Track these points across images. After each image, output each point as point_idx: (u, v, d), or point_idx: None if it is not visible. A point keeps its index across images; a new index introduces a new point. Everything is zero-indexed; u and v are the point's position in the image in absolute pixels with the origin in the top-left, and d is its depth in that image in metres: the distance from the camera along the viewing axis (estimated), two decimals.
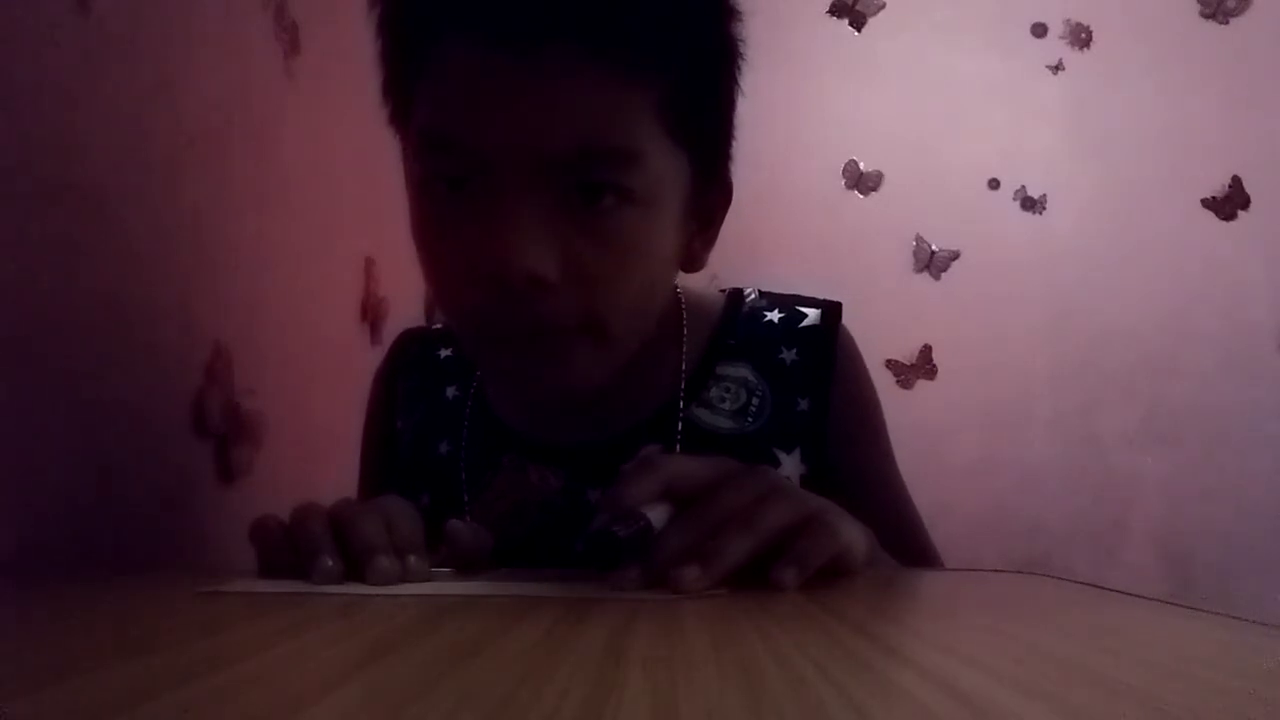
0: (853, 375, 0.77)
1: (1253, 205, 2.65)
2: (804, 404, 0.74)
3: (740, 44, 0.65)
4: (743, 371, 0.75)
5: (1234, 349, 2.60)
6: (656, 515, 0.50)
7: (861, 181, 2.79)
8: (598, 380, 0.65)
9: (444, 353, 0.85)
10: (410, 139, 0.63)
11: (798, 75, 2.77)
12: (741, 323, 0.77)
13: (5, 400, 0.62)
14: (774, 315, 0.77)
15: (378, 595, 0.46)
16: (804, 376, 0.74)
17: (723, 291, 0.81)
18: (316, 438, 1.10)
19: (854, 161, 2.79)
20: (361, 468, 0.87)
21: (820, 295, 0.80)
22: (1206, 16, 2.71)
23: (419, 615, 0.40)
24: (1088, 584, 0.56)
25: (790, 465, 0.73)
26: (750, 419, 0.73)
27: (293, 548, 0.54)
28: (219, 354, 0.88)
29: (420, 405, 0.83)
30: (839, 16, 2.85)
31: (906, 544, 0.74)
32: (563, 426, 0.75)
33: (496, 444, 0.77)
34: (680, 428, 0.73)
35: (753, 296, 0.80)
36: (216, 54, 0.90)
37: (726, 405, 0.74)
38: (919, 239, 2.74)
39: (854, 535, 0.53)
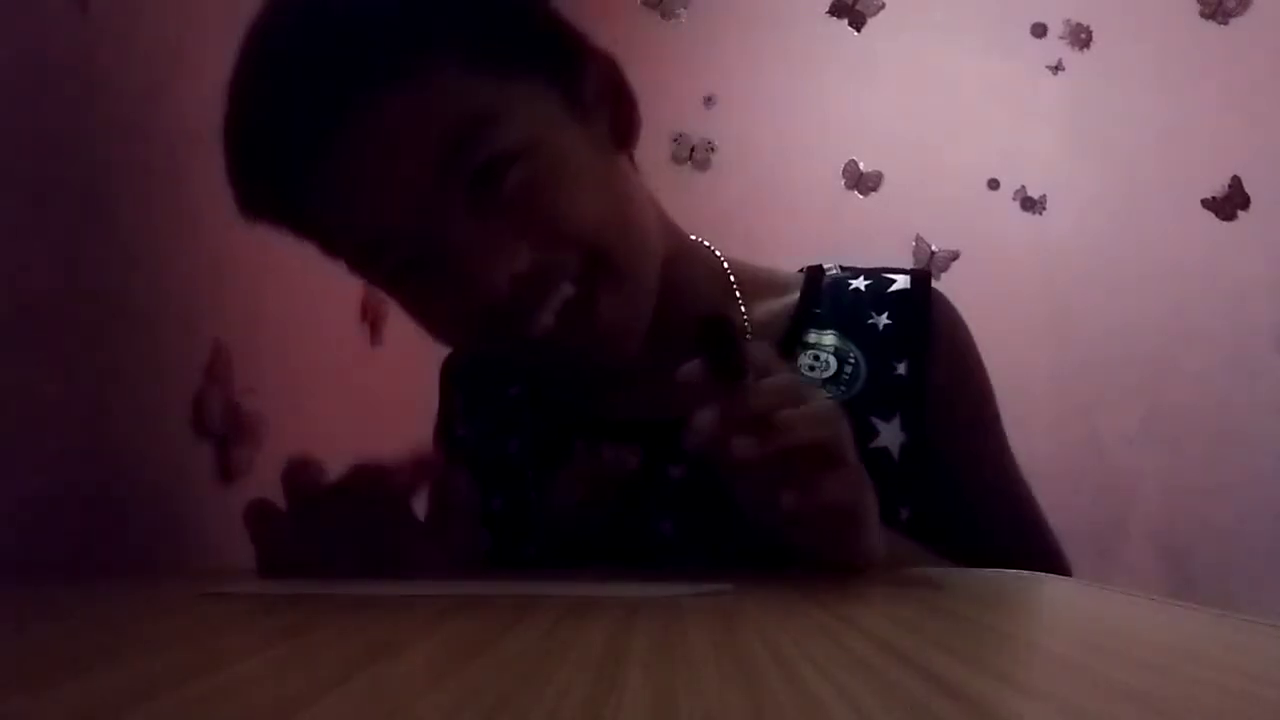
0: (953, 342, 0.74)
1: (1253, 205, 2.65)
2: (901, 368, 0.70)
3: None
4: (832, 339, 0.72)
5: (1234, 349, 2.60)
6: None
7: (861, 181, 2.79)
8: (634, 326, 0.66)
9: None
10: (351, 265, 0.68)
11: (798, 75, 2.77)
12: (826, 292, 0.75)
13: (5, 400, 0.62)
14: (860, 283, 0.75)
15: (378, 595, 0.46)
16: (898, 341, 0.71)
17: (801, 270, 0.78)
18: (316, 438, 1.09)
19: (854, 161, 2.79)
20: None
21: None
22: (1206, 17, 2.71)
23: (419, 615, 0.40)
24: (1088, 584, 0.56)
25: (889, 434, 0.69)
26: (844, 387, 0.70)
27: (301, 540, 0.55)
28: (219, 354, 0.88)
29: (482, 408, 0.81)
30: (839, 16, 2.85)
31: (1022, 541, 0.71)
32: (635, 403, 0.72)
33: (567, 431, 0.74)
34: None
35: (833, 270, 0.77)
36: (216, 52, 0.90)
37: (817, 374, 0.70)
38: (919, 239, 2.74)
39: (862, 505, 0.53)
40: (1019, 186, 2.73)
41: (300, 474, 0.59)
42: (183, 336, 0.84)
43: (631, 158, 0.72)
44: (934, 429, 0.70)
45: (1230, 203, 2.66)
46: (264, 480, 0.95)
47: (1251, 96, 2.66)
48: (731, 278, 0.75)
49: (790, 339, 0.72)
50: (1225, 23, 2.71)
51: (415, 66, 0.59)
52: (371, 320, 1.36)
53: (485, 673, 0.27)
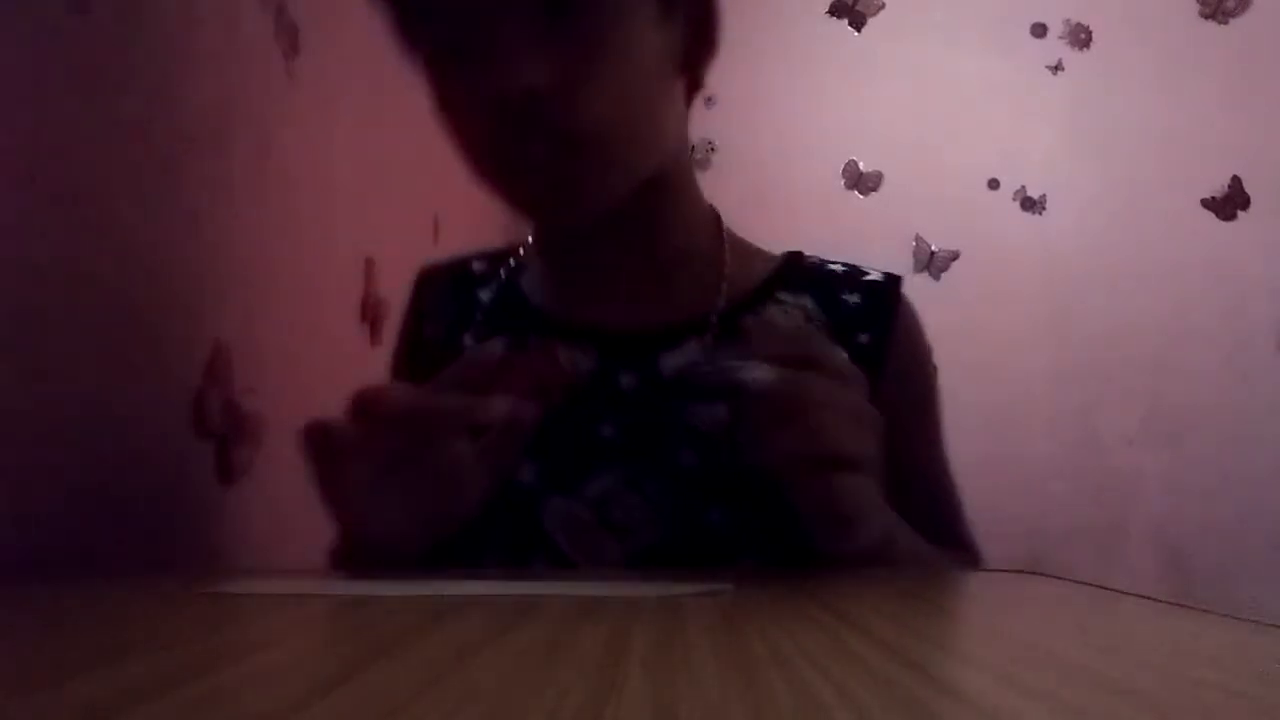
0: (911, 331, 0.78)
1: (1252, 205, 2.65)
2: (864, 338, 0.74)
3: None
4: (804, 301, 0.76)
5: (1234, 349, 2.60)
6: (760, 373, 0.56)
7: (861, 181, 2.79)
8: (609, 200, 0.68)
9: (477, 266, 0.85)
10: (411, 39, 0.67)
11: (798, 75, 2.78)
12: (804, 268, 0.79)
13: (4, 400, 0.62)
14: (837, 267, 0.80)
15: (377, 595, 0.46)
16: (865, 316, 0.75)
17: (782, 254, 0.82)
18: None
19: (854, 161, 2.79)
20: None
21: None
22: (1206, 17, 2.72)
23: (419, 615, 0.40)
24: (1088, 584, 0.56)
25: None
26: None
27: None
28: (219, 354, 0.88)
29: (449, 309, 0.82)
30: (839, 17, 2.85)
31: (942, 527, 0.74)
32: (599, 310, 0.76)
33: (525, 329, 0.76)
34: (721, 331, 0.73)
35: (811, 256, 0.81)
36: (216, 54, 0.90)
37: (781, 322, 0.74)
38: (919, 239, 2.74)
39: (856, 483, 0.57)
40: (1019, 186, 2.74)
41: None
42: (183, 336, 0.84)
43: (698, 83, 0.74)
44: (884, 404, 0.72)
45: (1230, 203, 2.66)
46: (264, 480, 0.95)
47: (1251, 96, 2.66)
48: (726, 238, 0.79)
49: (762, 293, 0.76)
50: (1225, 23, 2.71)
51: None
52: (371, 320, 1.36)
53: (485, 673, 0.27)
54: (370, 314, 1.36)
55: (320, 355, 1.16)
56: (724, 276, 0.76)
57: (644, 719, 0.22)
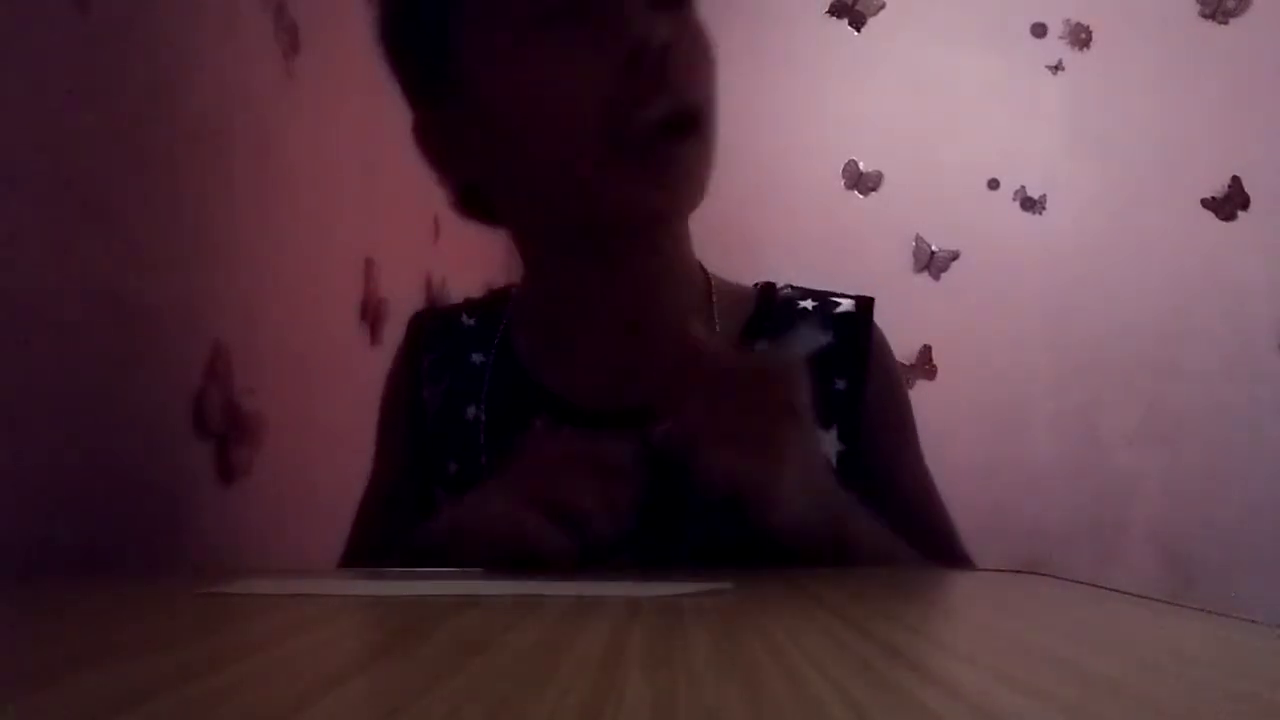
0: (886, 366, 0.79)
1: (1252, 205, 2.66)
2: (841, 384, 0.75)
3: None
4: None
5: (1234, 349, 2.61)
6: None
7: (861, 182, 2.79)
8: (702, 178, 0.71)
9: (467, 321, 0.84)
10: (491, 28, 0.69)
11: (797, 75, 2.78)
12: (777, 309, 0.79)
13: (4, 399, 0.62)
14: (808, 303, 0.79)
15: (377, 595, 0.46)
16: (840, 359, 0.75)
17: (755, 285, 0.82)
18: (316, 438, 1.10)
19: (853, 161, 2.79)
20: (381, 441, 0.85)
21: None
22: (1206, 17, 2.72)
23: (419, 615, 0.40)
24: (1088, 584, 0.56)
25: (828, 442, 0.74)
26: None
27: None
28: (219, 354, 0.88)
29: (447, 373, 0.81)
30: (839, 16, 2.85)
31: (936, 541, 0.75)
32: (592, 383, 0.75)
33: (524, 405, 0.76)
34: None
35: (785, 289, 0.81)
36: (216, 53, 0.90)
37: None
38: (919, 239, 2.74)
39: (786, 493, 0.58)
40: (1019, 186, 2.74)
41: None
42: (183, 336, 0.84)
43: None
44: (866, 442, 0.76)
45: (1230, 203, 2.66)
46: (264, 480, 0.95)
47: (1251, 96, 2.66)
48: (714, 291, 0.79)
49: (743, 344, 0.77)
50: (1225, 22, 2.71)
51: None
52: (371, 320, 1.36)
53: (485, 672, 0.27)
54: (370, 314, 1.36)
55: (320, 355, 1.16)
56: (715, 326, 0.77)
57: (643, 718, 0.22)
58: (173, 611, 0.43)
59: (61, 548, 0.67)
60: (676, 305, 0.75)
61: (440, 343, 0.84)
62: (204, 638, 0.36)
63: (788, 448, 0.58)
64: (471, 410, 0.78)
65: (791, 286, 0.82)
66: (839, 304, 0.79)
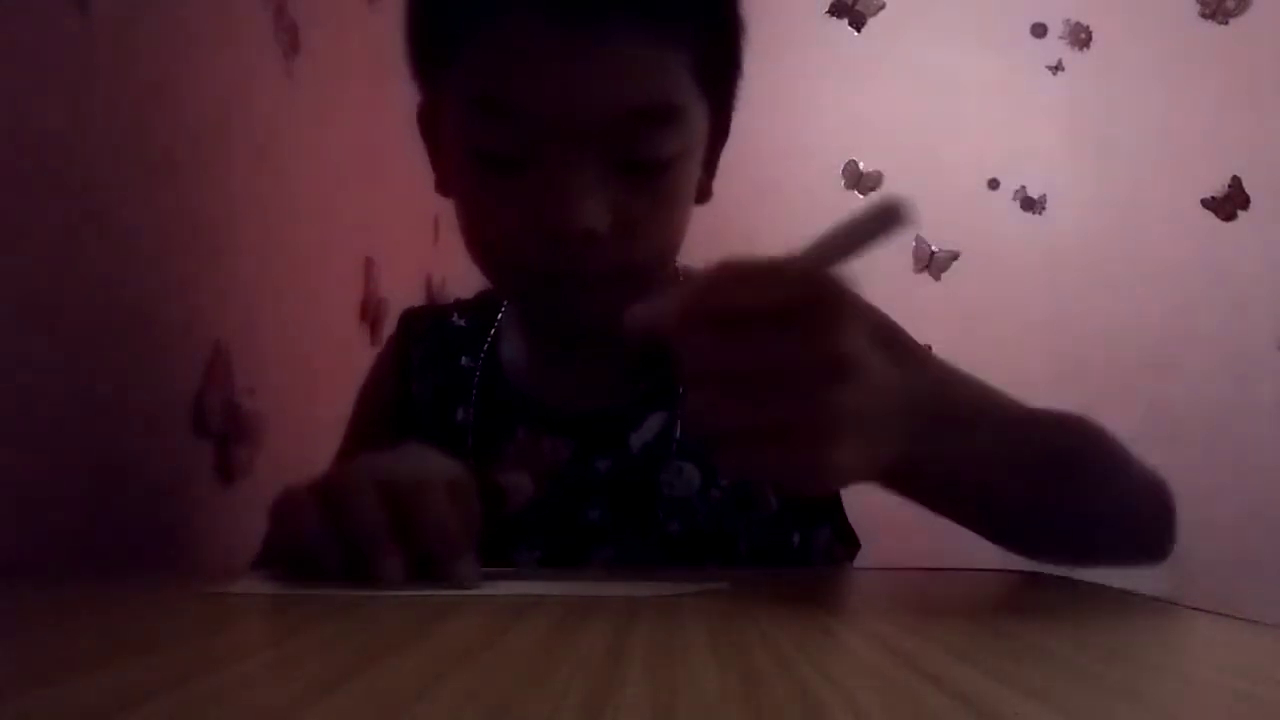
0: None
1: (1252, 205, 2.65)
2: None
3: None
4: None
5: (1234, 348, 2.60)
6: None
7: (861, 182, 2.79)
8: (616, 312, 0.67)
9: (457, 321, 0.85)
10: (454, 105, 0.66)
11: (797, 75, 2.77)
12: None
13: (3, 400, 0.62)
14: None
15: (376, 595, 0.46)
16: None
17: None
18: (317, 438, 1.09)
19: (853, 162, 2.79)
20: (356, 427, 0.85)
21: None
22: (1206, 17, 2.71)
23: (418, 615, 0.40)
24: (1087, 583, 0.56)
25: None
26: None
27: (339, 534, 0.48)
28: (219, 354, 0.88)
29: (437, 372, 0.83)
30: (838, 16, 2.85)
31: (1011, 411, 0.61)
32: (570, 392, 0.77)
33: (508, 412, 0.78)
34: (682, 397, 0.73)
35: None
36: (216, 54, 0.90)
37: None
38: (919, 239, 2.74)
39: (840, 460, 0.42)
40: (1019, 186, 2.73)
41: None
42: (182, 337, 0.84)
43: (711, 174, 0.75)
44: None
45: (1230, 203, 2.66)
46: (264, 481, 0.95)
47: (1251, 96, 2.66)
48: (680, 278, 0.78)
49: None
50: (1225, 23, 2.71)
51: (674, 28, 0.62)
52: (372, 320, 1.36)
53: (485, 672, 0.27)
54: (370, 314, 1.36)
55: (320, 355, 1.16)
56: None
57: (643, 718, 0.22)
58: (173, 612, 0.43)
59: (61, 547, 0.67)
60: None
61: (430, 340, 0.85)
62: (204, 638, 0.36)
63: (840, 417, 0.42)
64: (461, 412, 0.79)
65: None
66: None
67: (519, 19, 0.61)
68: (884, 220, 0.42)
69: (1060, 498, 0.57)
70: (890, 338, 0.72)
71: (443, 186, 0.73)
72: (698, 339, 0.42)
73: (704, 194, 0.74)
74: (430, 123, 0.72)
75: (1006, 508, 0.55)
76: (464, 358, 0.82)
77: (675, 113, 0.64)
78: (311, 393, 1.11)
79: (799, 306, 0.41)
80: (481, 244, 0.69)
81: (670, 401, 0.74)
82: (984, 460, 0.53)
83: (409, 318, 0.90)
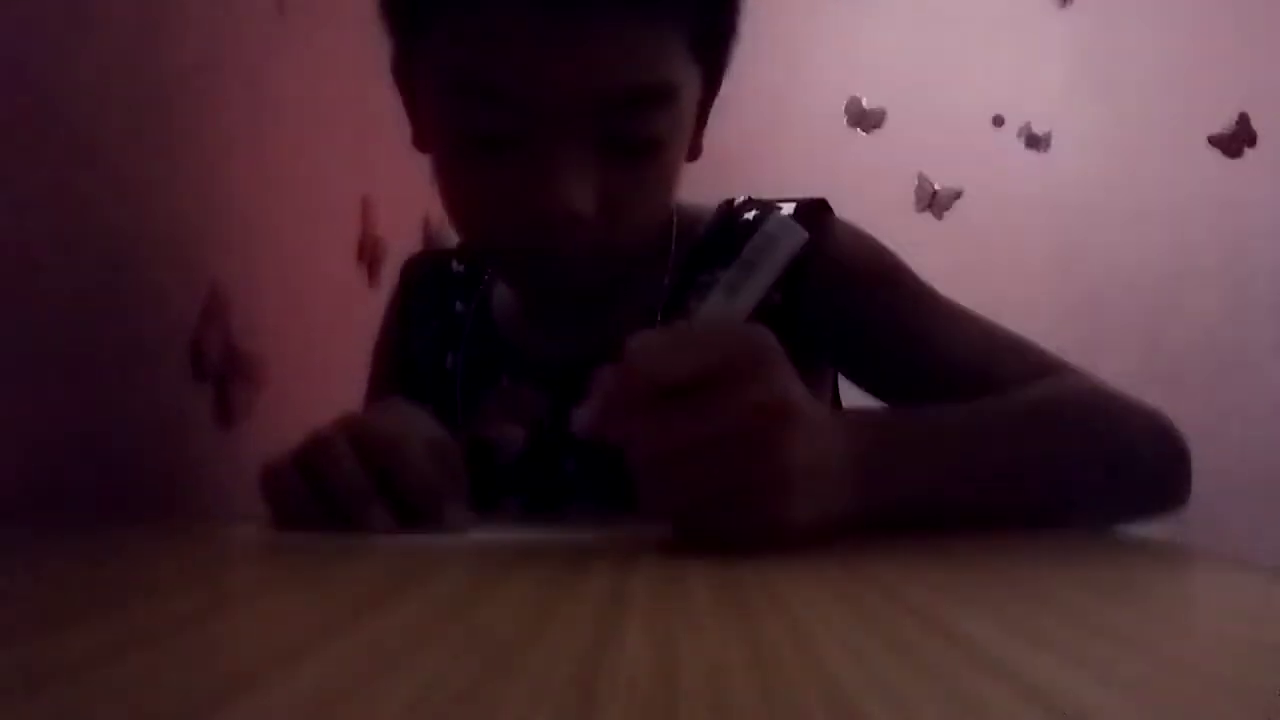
0: (835, 252, 0.71)
1: (1260, 142, 2.62)
2: (776, 297, 0.68)
3: None
4: (718, 275, 0.73)
5: (1237, 288, 2.59)
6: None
7: (864, 119, 2.75)
8: (600, 282, 0.67)
9: (456, 267, 0.86)
10: (433, 82, 0.62)
11: (799, 11, 2.73)
12: (722, 229, 0.76)
13: (1, 343, 0.61)
14: (751, 214, 0.75)
15: (377, 542, 0.46)
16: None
17: (720, 205, 0.79)
18: (316, 378, 1.09)
19: (856, 98, 2.75)
20: (371, 384, 0.88)
21: None
22: None
23: (418, 563, 0.40)
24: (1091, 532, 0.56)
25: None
26: None
27: (322, 496, 0.50)
28: (215, 295, 0.88)
29: (433, 320, 0.83)
30: None
31: (1021, 372, 0.63)
32: (553, 341, 0.76)
33: (495, 360, 0.78)
34: None
35: (740, 201, 0.78)
36: None
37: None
38: (921, 177, 2.71)
39: (801, 510, 0.41)
40: (1024, 123, 2.70)
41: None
42: (178, 277, 0.83)
43: (701, 129, 0.71)
44: (853, 343, 0.70)
45: (1237, 139, 2.63)
46: (264, 422, 0.95)
47: (1261, 32, 2.61)
48: (675, 230, 0.76)
49: (685, 281, 0.74)
50: None
51: (667, 5, 0.59)
52: (369, 260, 1.35)
53: (487, 619, 0.27)
54: (368, 254, 1.35)
55: (318, 296, 1.15)
56: (668, 270, 0.74)
57: (644, 663, 0.22)
58: (171, 558, 0.43)
59: (59, 492, 0.67)
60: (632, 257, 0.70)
61: (429, 288, 0.86)
62: (204, 584, 0.36)
63: (793, 464, 0.41)
64: (450, 358, 0.80)
65: (750, 198, 0.78)
66: (779, 209, 0.74)
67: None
68: (780, 247, 0.43)
69: (1056, 478, 0.56)
70: (894, 278, 0.72)
71: (419, 141, 0.70)
72: (637, 426, 0.41)
73: (695, 151, 0.71)
74: (404, 75, 0.69)
75: (1003, 505, 0.52)
76: (459, 303, 0.82)
77: (669, 91, 0.61)
78: (310, 333, 1.11)
79: (727, 365, 0.41)
80: (461, 214, 0.66)
81: None
82: (956, 475, 0.51)
83: (408, 267, 0.90)
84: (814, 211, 0.73)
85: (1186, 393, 2.57)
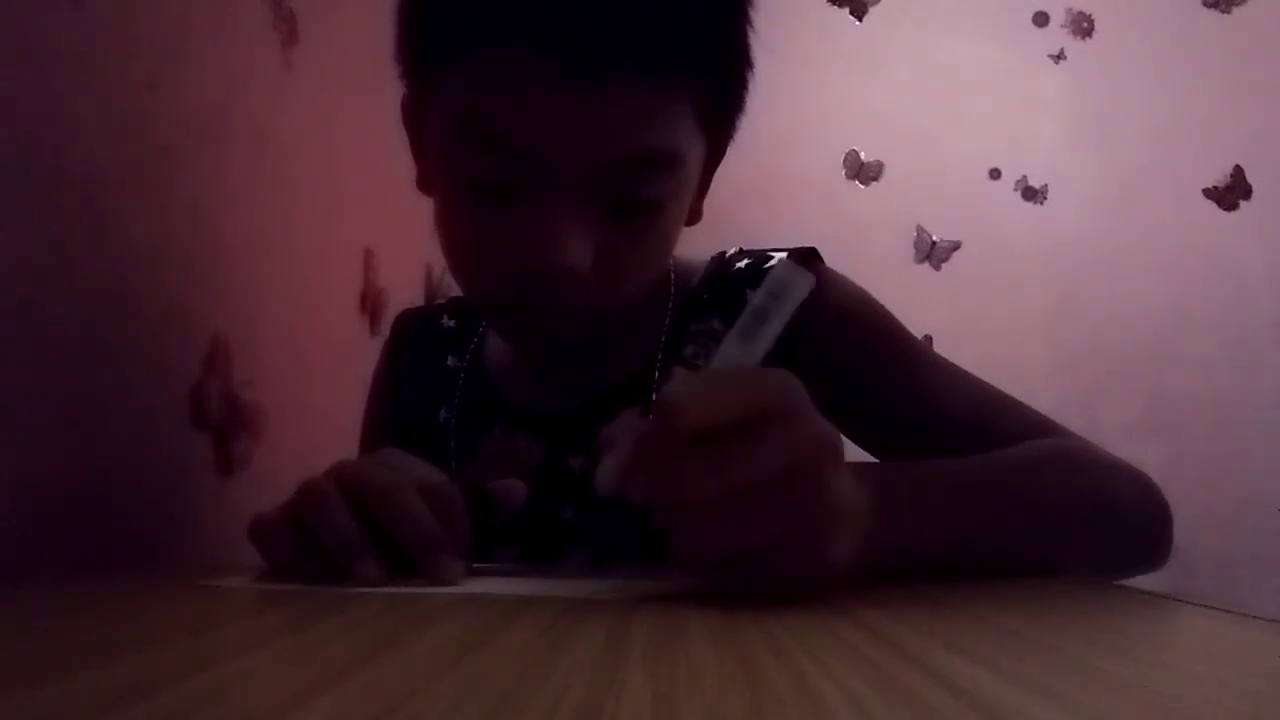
0: (830, 302, 0.71)
1: (1255, 195, 2.65)
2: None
3: (754, 27, 0.68)
4: (713, 324, 0.74)
5: (1235, 339, 2.60)
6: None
7: (862, 171, 2.78)
8: (592, 338, 0.67)
9: (447, 323, 0.86)
10: (443, 126, 0.63)
11: (798, 65, 2.77)
12: (715, 278, 0.77)
13: (1, 393, 0.62)
14: (743, 263, 0.77)
15: (375, 591, 0.46)
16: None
17: (713, 258, 0.80)
18: (316, 429, 1.09)
19: (855, 151, 2.78)
20: (363, 444, 0.89)
21: None
22: (1209, 6, 2.70)
23: (417, 611, 0.40)
24: (1090, 582, 0.56)
25: None
26: None
27: (312, 547, 0.49)
28: (217, 345, 0.88)
29: (425, 375, 0.84)
30: (840, 5, 2.84)
31: (1010, 429, 0.65)
32: (547, 392, 0.76)
33: (488, 411, 0.78)
34: (656, 388, 0.72)
35: (732, 253, 0.80)
36: (214, 44, 0.89)
37: (701, 361, 0.72)
38: (920, 229, 2.73)
39: (845, 550, 0.42)
40: (1020, 176, 2.73)
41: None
42: (181, 328, 0.84)
43: (704, 190, 0.72)
44: (850, 396, 0.70)
45: (1232, 192, 2.66)
46: (263, 472, 0.95)
47: (1254, 86, 2.65)
48: (672, 283, 0.77)
49: (678, 330, 0.75)
50: (1228, 11, 2.70)
51: (676, 77, 0.59)
52: (371, 311, 1.35)
53: (485, 668, 0.27)
54: (370, 305, 1.35)
55: (320, 346, 1.15)
56: (664, 329, 0.75)
57: (644, 713, 0.22)
58: (170, 607, 0.43)
59: (59, 542, 0.67)
60: (629, 322, 0.70)
61: (420, 343, 0.86)
62: (201, 633, 0.36)
63: (837, 505, 0.41)
64: (443, 413, 0.80)
65: (741, 249, 0.79)
66: (772, 258, 0.75)
67: (517, 53, 0.57)
68: (791, 292, 0.42)
69: (1041, 533, 0.57)
70: (886, 328, 0.72)
71: (424, 183, 0.71)
72: (668, 478, 0.40)
73: (694, 216, 0.71)
74: (415, 117, 0.69)
75: (989, 558, 0.53)
76: (450, 358, 0.83)
77: (674, 157, 0.61)
78: (311, 384, 1.11)
79: (767, 408, 0.40)
80: (458, 259, 0.67)
81: (643, 396, 0.72)
82: (946, 527, 0.52)
83: (401, 322, 0.91)
84: (805, 260, 0.74)
85: (1187, 444, 2.57)
